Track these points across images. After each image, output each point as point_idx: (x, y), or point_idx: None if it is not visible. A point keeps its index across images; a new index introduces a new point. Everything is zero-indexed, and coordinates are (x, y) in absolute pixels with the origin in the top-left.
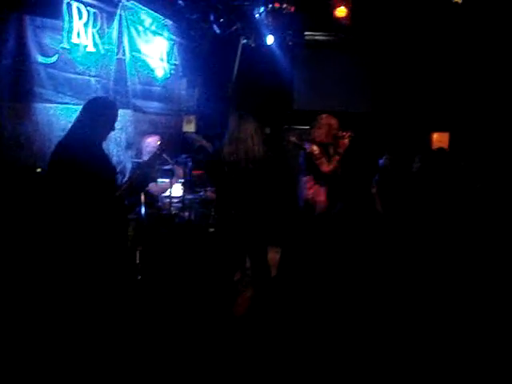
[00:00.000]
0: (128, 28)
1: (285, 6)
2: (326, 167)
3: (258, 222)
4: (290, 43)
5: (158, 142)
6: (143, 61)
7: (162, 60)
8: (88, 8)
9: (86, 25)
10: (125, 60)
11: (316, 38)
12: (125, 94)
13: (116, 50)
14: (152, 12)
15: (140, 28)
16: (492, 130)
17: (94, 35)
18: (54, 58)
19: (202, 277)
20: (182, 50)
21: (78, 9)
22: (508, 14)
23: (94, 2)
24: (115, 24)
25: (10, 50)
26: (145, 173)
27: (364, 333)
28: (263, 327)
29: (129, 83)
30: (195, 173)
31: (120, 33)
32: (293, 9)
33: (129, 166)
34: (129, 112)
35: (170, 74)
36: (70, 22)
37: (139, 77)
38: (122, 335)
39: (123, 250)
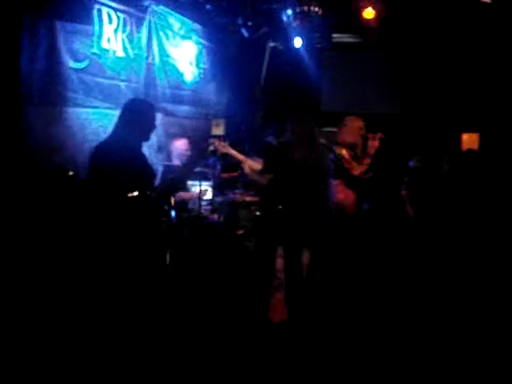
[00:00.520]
0: (157, 33)
1: (312, 8)
2: (356, 171)
3: (304, 221)
4: (318, 46)
5: (185, 146)
6: (172, 65)
7: (190, 64)
8: (118, 13)
9: (115, 30)
10: (154, 64)
11: (343, 40)
12: (155, 98)
13: (145, 55)
14: (180, 16)
15: (169, 32)
16: None
17: (123, 40)
18: (84, 63)
19: (232, 279)
20: (210, 53)
21: (108, 14)
22: None
23: (124, 8)
24: (144, 29)
25: (42, 55)
26: (178, 177)
27: (398, 335)
28: (298, 335)
29: (158, 87)
30: (224, 175)
31: (149, 37)
32: (320, 11)
33: (160, 169)
34: (159, 116)
35: (199, 77)
36: (100, 27)
37: (168, 81)
38: (149, 336)
39: (157, 251)
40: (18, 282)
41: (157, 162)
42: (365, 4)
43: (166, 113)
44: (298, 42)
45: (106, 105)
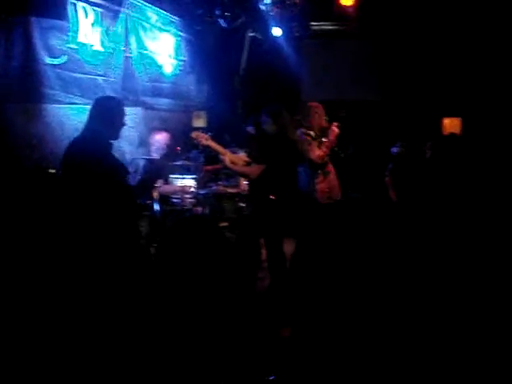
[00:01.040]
0: (134, 26)
1: None
2: (314, 153)
3: (294, 210)
4: (297, 34)
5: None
6: (151, 58)
7: (169, 56)
8: (93, 8)
9: (92, 24)
10: (132, 58)
11: (322, 27)
12: (134, 92)
13: (123, 49)
14: (157, 9)
15: (146, 25)
16: (505, 114)
17: (100, 34)
18: (61, 59)
19: (217, 272)
20: (189, 45)
21: (84, 9)
22: None
23: (99, 2)
24: (121, 22)
25: (18, 51)
26: (155, 170)
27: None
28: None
29: (137, 81)
30: (207, 168)
31: (126, 31)
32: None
33: (141, 163)
34: (139, 110)
35: (178, 70)
36: (76, 22)
37: (147, 74)
38: (134, 331)
39: (135, 246)
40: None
41: (138, 157)
42: None
43: (146, 106)
44: (276, 31)
45: (85, 100)
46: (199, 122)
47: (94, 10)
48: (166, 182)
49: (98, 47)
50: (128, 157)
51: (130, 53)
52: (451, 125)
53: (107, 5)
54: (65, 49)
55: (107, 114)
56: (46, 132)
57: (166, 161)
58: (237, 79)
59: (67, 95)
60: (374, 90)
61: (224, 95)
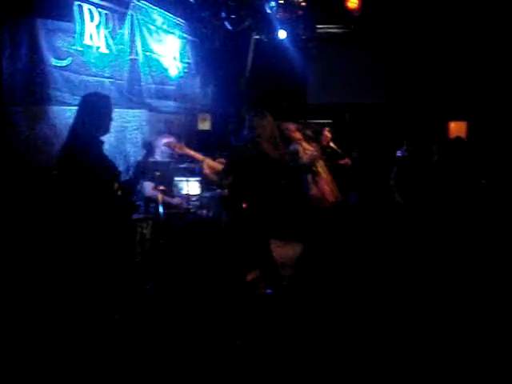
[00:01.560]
0: (140, 28)
1: None
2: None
3: (267, 218)
4: (303, 37)
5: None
6: (156, 60)
7: (174, 59)
8: (99, 10)
9: (97, 26)
10: (138, 60)
11: (328, 30)
12: (139, 94)
13: (129, 51)
14: (163, 11)
15: (152, 27)
16: (511, 117)
17: (106, 36)
18: (67, 61)
19: (215, 275)
20: (194, 48)
21: (90, 11)
22: None
23: (105, 4)
24: (127, 24)
25: (24, 54)
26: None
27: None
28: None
29: (143, 83)
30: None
31: (132, 33)
32: (304, 2)
33: (143, 165)
34: (144, 112)
35: (184, 72)
36: (82, 24)
37: (153, 76)
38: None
39: (126, 246)
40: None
41: (141, 159)
42: None
43: (151, 109)
44: (282, 34)
45: None
46: (204, 124)
47: (100, 12)
48: (170, 185)
49: (103, 49)
50: (132, 159)
51: (136, 55)
52: (457, 128)
53: (113, 7)
54: (71, 51)
55: (93, 110)
56: (52, 134)
57: (170, 163)
58: (242, 82)
59: (73, 97)
60: (379, 93)
61: (229, 98)
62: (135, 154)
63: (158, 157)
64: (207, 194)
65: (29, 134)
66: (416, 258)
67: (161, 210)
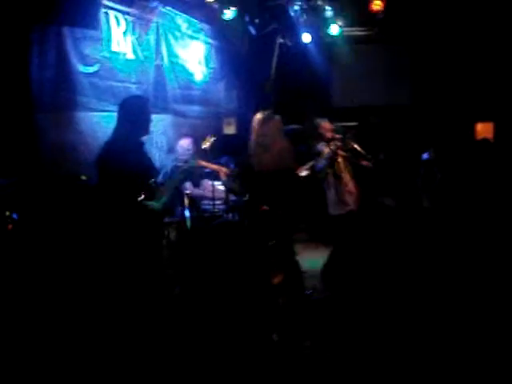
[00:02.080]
0: (165, 34)
1: (320, 2)
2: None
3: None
4: (327, 40)
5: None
6: (181, 65)
7: (199, 64)
8: (125, 17)
9: (124, 33)
10: (163, 66)
11: (353, 33)
12: (165, 99)
13: (154, 57)
14: (188, 16)
15: (177, 33)
16: None
17: (132, 43)
18: (95, 67)
19: (241, 278)
20: (219, 52)
21: (116, 18)
22: None
23: (131, 11)
24: (152, 31)
25: (52, 61)
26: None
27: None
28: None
29: (168, 88)
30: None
31: (157, 39)
32: (328, 6)
33: (170, 169)
34: (169, 116)
35: (209, 77)
36: (109, 31)
37: (178, 82)
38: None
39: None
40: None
41: (167, 163)
42: None
43: (177, 113)
44: (306, 37)
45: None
46: (230, 128)
47: (126, 19)
48: (197, 185)
49: (130, 55)
50: (158, 163)
51: (161, 60)
52: (484, 130)
53: (139, 14)
54: (98, 57)
55: (132, 112)
56: (80, 139)
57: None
58: (267, 86)
59: (100, 103)
60: (404, 95)
61: (254, 102)
62: (160, 158)
63: (181, 160)
64: (233, 198)
65: (56, 140)
66: (442, 266)
67: (187, 213)
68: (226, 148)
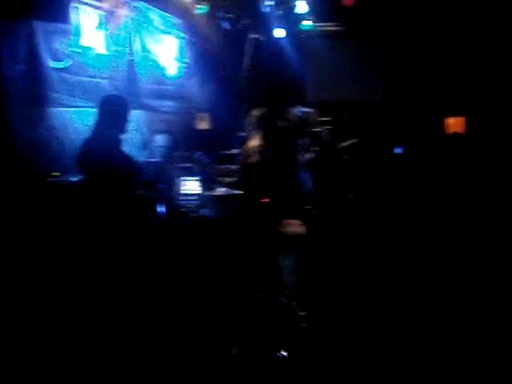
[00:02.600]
0: (138, 29)
1: None
2: None
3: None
4: (300, 35)
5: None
6: (154, 61)
7: (172, 59)
8: (97, 11)
9: (95, 28)
10: (136, 61)
11: (325, 28)
12: (137, 95)
13: (127, 52)
14: (160, 11)
15: (150, 28)
16: (509, 112)
17: (104, 38)
18: (65, 63)
19: (224, 274)
20: (192, 48)
21: (88, 12)
22: None
23: (103, 5)
24: (125, 25)
25: (22, 56)
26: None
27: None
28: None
29: (141, 83)
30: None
31: (130, 34)
32: (300, 0)
33: (145, 166)
34: (142, 112)
35: (182, 72)
36: (80, 25)
37: (151, 77)
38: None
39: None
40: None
41: (141, 160)
42: None
43: (149, 109)
44: (279, 33)
45: (89, 103)
46: (203, 123)
47: (98, 14)
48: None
49: (101, 50)
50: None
51: (134, 55)
52: (456, 124)
53: (111, 8)
54: (69, 52)
55: (112, 111)
56: (51, 135)
57: (169, 163)
58: (240, 81)
59: (71, 98)
60: (378, 90)
61: (228, 97)
62: (134, 153)
63: (156, 157)
64: (207, 193)
65: (28, 136)
66: (416, 255)
67: (162, 209)
68: (199, 143)
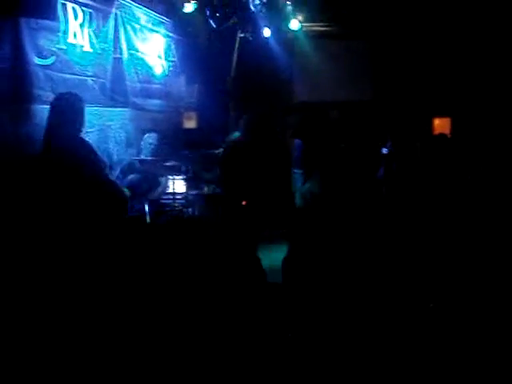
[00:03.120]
0: (124, 26)
1: None
2: None
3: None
4: (288, 35)
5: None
6: (141, 59)
7: (159, 57)
8: (83, 8)
9: (81, 25)
10: (122, 59)
11: (314, 28)
12: (123, 93)
13: (113, 49)
14: (147, 9)
15: (136, 26)
16: (495, 114)
17: (90, 35)
18: (50, 60)
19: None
20: (179, 46)
21: (74, 9)
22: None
23: (89, 2)
24: (111, 23)
25: (7, 52)
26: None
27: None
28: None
29: (127, 82)
30: None
31: (116, 32)
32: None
33: (129, 164)
34: (128, 110)
35: (169, 70)
36: (66, 22)
37: (137, 75)
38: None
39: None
40: None
41: (126, 158)
42: None
43: (136, 107)
44: (267, 32)
45: None
46: (190, 122)
47: (84, 11)
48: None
49: (87, 48)
50: (115, 158)
51: (120, 53)
52: (441, 125)
53: (97, 5)
54: (54, 49)
55: (66, 107)
56: (34, 133)
57: (155, 161)
58: (228, 80)
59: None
60: (365, 91)
61: (215, 96)
62: (119, 152)
63: (142, 155)
64: (193, 192)
65: (12, 133)
66: (403, 255)
67: (146, 208)
68: (186, 142)
